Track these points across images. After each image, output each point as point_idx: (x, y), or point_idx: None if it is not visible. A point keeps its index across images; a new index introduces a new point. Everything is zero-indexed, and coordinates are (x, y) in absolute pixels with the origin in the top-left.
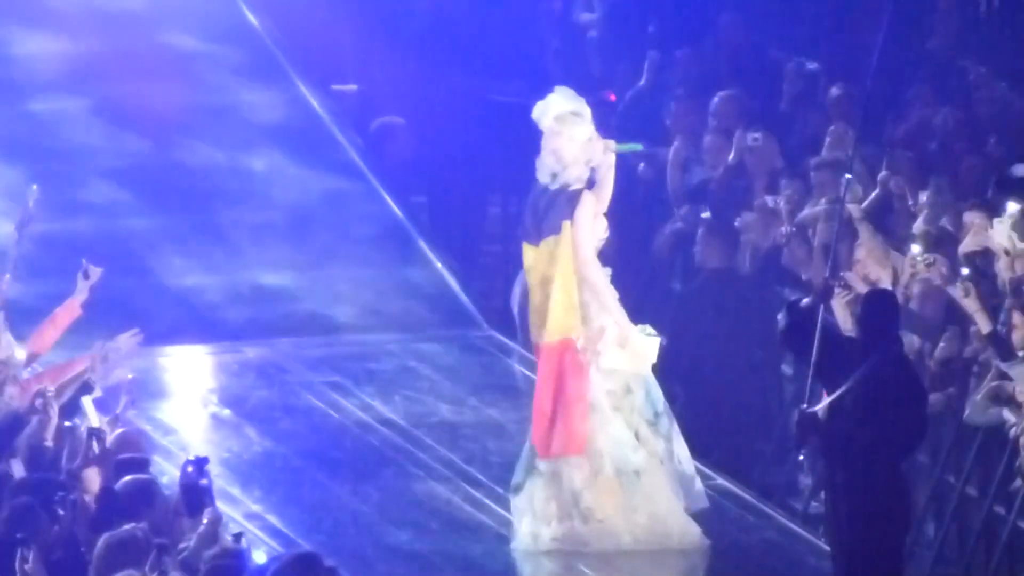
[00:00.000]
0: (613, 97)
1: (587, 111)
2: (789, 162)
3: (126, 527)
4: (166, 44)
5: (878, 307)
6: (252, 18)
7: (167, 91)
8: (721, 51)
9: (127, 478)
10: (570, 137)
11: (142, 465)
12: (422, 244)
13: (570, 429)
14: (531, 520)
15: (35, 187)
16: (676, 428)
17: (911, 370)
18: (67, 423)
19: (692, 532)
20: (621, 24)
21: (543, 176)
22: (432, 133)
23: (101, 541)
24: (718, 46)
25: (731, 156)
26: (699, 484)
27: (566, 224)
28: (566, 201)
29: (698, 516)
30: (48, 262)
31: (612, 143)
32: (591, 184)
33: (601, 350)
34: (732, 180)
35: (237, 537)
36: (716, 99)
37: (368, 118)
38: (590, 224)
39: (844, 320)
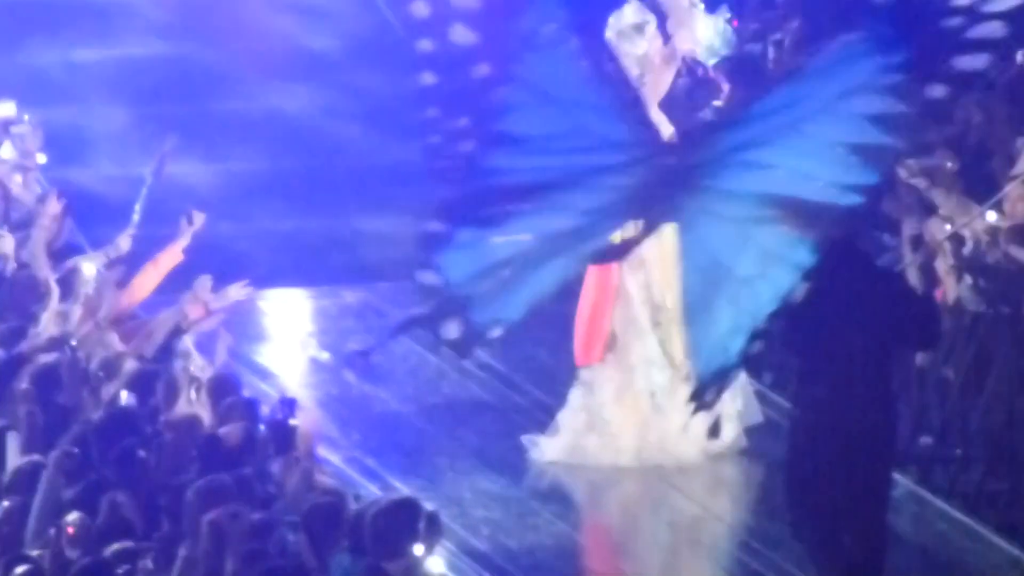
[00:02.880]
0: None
1: (652, 24)
2: None
3: (214, 476)
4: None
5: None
6: None
7: (265, 37)
8: None
9: (230, 426)
10: (624, 52)
11: (252, 406)
12: None
13: (596, 335)
14: (553, 431)
15: (171, 138)
16: None
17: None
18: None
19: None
20: None
21: None
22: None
23: (191, 490)
24: None
25: None
26: (750, 394)
27: None
28: None
29: None
30: (148, 206)
31: None
32: None
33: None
34: None
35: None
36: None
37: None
38: None
39: (950, 289)
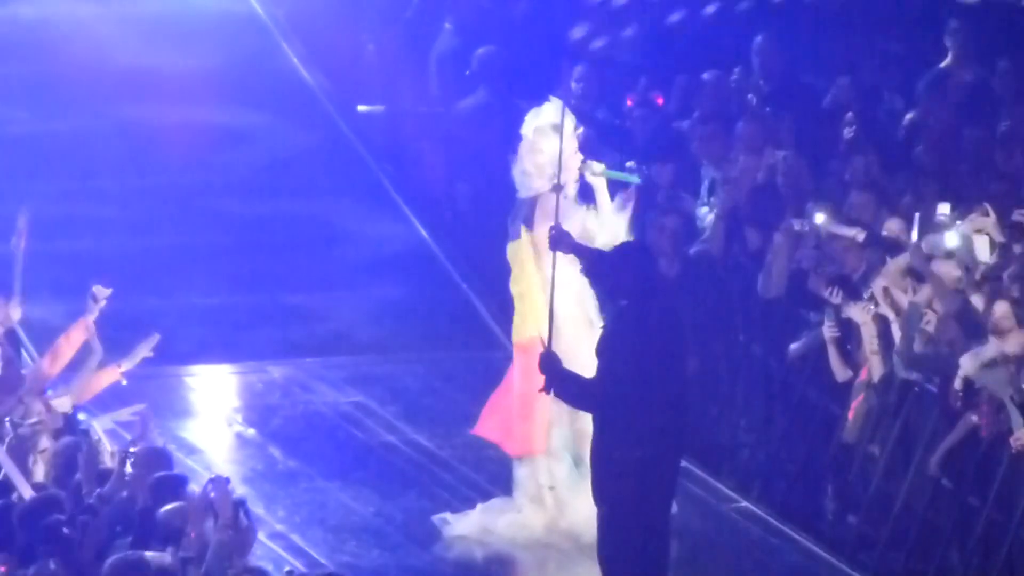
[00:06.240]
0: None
1: (570, 127)
2: (819, 186)
3: (131, 552)
4: (193, 65)
5: (630, 261)
6: (281, 39)
7: (193, 112)
8: (749, 75)
9: (169, 506)
10: (541, 149)
11: (180, 483)
12: (447, 264)
13: (533, 428)
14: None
15: (24, 210)
16: None
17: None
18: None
19: None
20: (648, 48)
21: (517, 184)
22: (458, 153)
23: (107, 564)
24: (747, 70)
25: (760, 175)
26: None
27: (522, 228)
28: (528, 207)
29: (722, 539)
30: (72, 280)
31: (599, 166)
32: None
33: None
34: (763, 201)
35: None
36: (741, 123)
37: (396, 138)
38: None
39: (876, 368)
